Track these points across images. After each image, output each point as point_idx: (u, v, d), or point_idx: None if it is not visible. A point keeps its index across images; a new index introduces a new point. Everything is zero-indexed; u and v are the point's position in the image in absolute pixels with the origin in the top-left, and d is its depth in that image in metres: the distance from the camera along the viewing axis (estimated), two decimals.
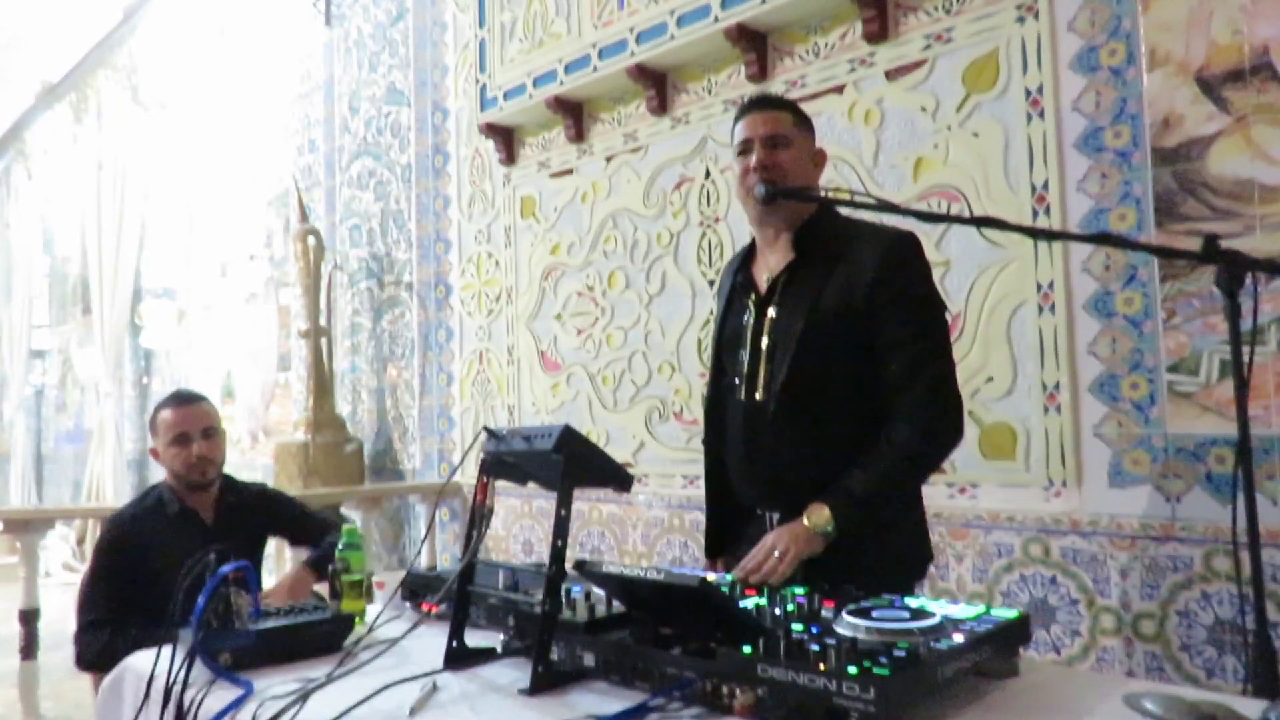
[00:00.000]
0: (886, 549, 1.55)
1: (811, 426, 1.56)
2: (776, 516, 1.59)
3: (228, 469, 2.40)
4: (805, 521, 1.48)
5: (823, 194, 1.67)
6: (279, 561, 3.83)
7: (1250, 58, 2.10)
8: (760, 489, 1.64)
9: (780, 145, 1.60)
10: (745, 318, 1.66)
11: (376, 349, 4.94)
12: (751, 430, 1.62)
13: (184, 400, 2.34)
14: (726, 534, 1.75)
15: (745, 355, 1.64)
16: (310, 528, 2.48)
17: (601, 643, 1.19)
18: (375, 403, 4.93)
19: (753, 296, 1.66)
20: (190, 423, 2.27)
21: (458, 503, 4.40)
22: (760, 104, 1.65)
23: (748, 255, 1.74)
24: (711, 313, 3.23)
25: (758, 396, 1.60)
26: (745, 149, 1.64)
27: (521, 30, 3.84)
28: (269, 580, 2.65)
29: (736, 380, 1.66)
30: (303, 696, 1.17)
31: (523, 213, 4.03)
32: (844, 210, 1.66)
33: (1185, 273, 2.17)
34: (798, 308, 1.57)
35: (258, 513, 2.43)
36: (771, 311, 1.61)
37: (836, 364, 1.55)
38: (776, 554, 1.45)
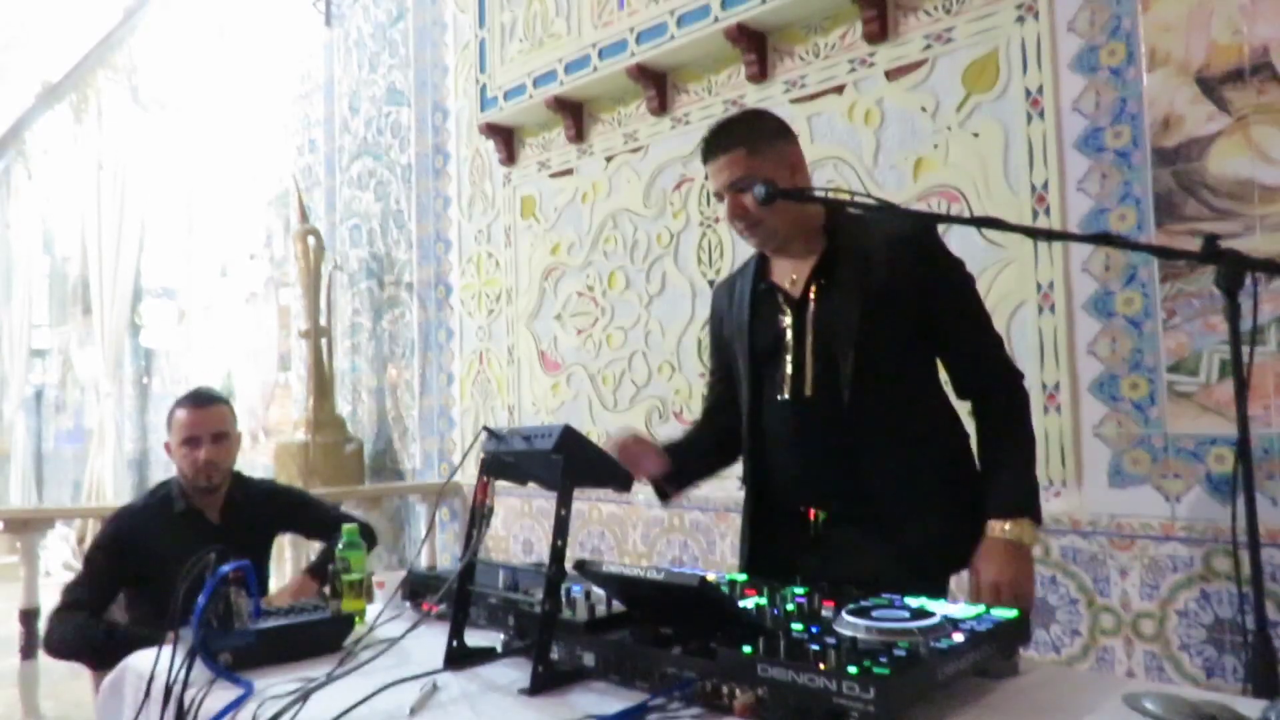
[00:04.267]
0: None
1: (883, 413, 1.56)
2: (824, 516, 1.60)
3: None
4: (1018, 541, 1.48)
5: (821, 194, 1.67)
6: (279, 563, 3.83)
7: (1250, 58, 2.10)
8: (816, 487, 1.62)
9: (741, 189, 1.58)
10: (782, 321, 1.64)
11: (376, 349, 4.94)
12: (805, 429, 1.61)
13: (198, 402, 2.32)
14: (770, 549, 1.72)
15: (789, 357, 1.62)
16: (321, 519, 2.48)
17: (601, 643, 1.20)
18: (375, 403, 4.93)
19: (782, 299, 1.65)
20: (201, 426, 2.26)
21: (458, 503, 4.40)
22: (709, 149, 1.63)
23: (759, 265, 1.72)
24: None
25: (806, 393, 1.60)
26: (719, 197, 1.64)
27: (521, 30, 3.84)
28: (275, 584, 2.63)
29: (779, 383, 1.64)
30: (303, 696, 1.17)
31: (523, 213, 4.03)
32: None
33: (1185, 273, 2.17)
34: (846, 300, 1.57)
35: (266, 511, 2.41)
36: (813, 309, 1.61)
37: (893, 350, 1.57)
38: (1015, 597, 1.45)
